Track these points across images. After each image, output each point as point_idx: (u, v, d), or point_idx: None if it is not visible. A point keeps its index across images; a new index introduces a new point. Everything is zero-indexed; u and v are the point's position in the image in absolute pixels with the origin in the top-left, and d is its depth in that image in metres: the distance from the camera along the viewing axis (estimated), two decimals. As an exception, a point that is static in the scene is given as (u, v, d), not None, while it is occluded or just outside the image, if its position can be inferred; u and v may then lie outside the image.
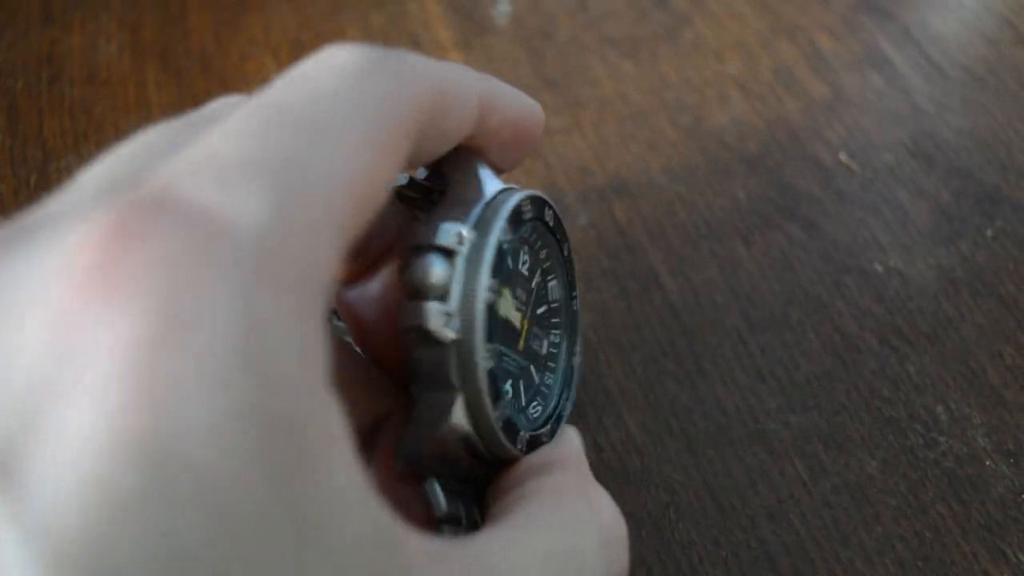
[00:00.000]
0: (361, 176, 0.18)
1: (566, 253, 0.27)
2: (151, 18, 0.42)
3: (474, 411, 0.22)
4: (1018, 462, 0.30)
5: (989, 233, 0.36)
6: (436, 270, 0.21)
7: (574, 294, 0.27)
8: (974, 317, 0.33)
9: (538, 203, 0.25)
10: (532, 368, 0.25)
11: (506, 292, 0.24)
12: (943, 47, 0.42)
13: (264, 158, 0.16)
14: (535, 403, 0.25)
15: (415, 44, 0.41)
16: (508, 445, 0.23)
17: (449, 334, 0.21)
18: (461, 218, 0.23)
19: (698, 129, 0.39)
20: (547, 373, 0.26)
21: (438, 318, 0.21)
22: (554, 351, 0.27)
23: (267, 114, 0.18)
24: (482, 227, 0.22)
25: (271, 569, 0.14)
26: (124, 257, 0.14)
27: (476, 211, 0.23)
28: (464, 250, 0.22)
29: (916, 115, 0.40)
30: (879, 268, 0.35)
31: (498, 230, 0.22)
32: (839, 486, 0.29)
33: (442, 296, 0.21)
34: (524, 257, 0.25)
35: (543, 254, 0.26)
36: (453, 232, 0.22)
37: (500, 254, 0.22)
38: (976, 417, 0.31)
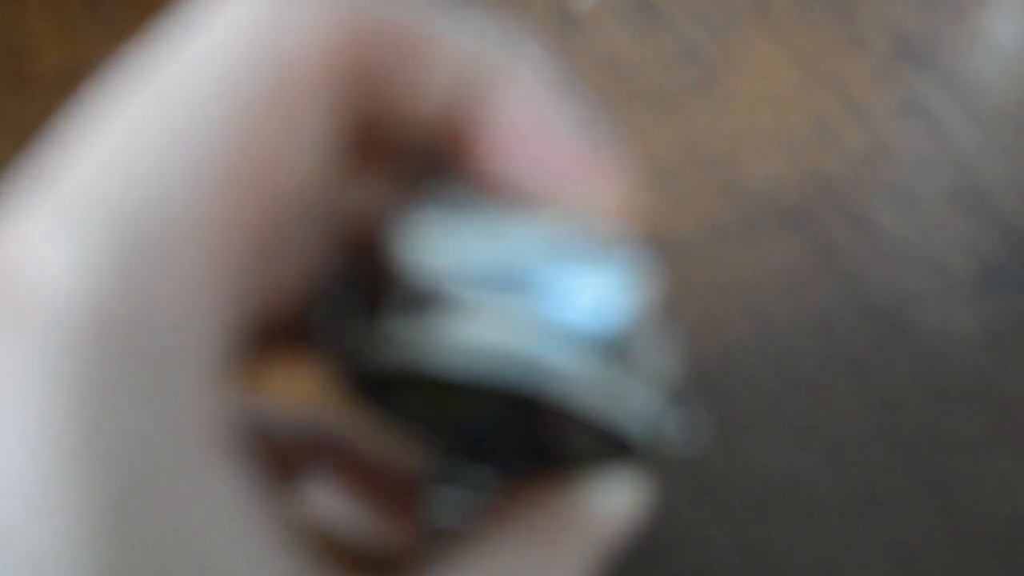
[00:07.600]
0: (244, 167, 0.15)
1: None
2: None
3: None
4: (1068, 523, 0.29)
5: (1033, 283, 0.35)
6: None
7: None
8: (1019, 371, 0.33)
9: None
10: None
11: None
12: (981, 93, 0.42)
13: (105, 185, 0.14)
14: None
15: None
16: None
17: None
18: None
19: (730, 184, 0.39)
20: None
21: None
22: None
23: (131, 115, 0.15)
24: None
25: None
26: None
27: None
28: None
29: (955, 164, 0.39)
30: (920, 323, 0.34)
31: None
32: (882, 549, 0.29)
33: None
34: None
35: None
36: None
37: None
38: (1023, 476, 0.30)
